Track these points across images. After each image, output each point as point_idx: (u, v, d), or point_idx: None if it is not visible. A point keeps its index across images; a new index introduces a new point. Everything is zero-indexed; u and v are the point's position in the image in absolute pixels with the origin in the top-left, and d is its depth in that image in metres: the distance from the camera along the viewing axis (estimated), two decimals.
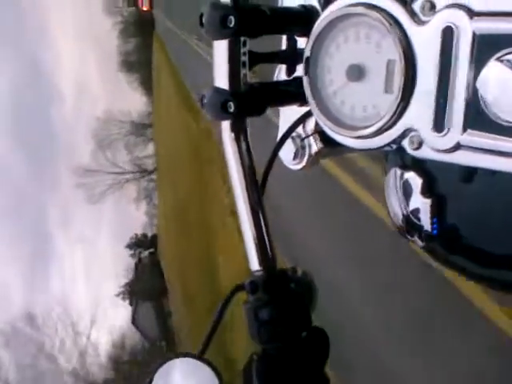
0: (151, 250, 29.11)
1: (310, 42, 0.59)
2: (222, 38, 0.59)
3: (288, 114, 0.69)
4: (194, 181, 14.28)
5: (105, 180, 29.55)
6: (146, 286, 25.20)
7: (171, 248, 21.04)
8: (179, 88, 16.80)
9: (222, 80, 0.61)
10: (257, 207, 0.60)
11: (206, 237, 12.60)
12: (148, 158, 31.63)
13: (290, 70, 0.68)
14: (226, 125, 0.61)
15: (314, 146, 0.70)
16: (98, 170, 29.47)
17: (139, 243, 30.30)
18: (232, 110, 0.59)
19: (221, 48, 0.60)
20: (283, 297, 0.58)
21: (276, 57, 0.68)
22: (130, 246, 30.48)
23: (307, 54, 0.59)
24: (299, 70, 0.66)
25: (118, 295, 28.31)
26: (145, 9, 27.87)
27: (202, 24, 0.59)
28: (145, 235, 30.79)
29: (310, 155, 0.70)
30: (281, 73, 0.70)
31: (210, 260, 12.24)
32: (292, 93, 0.65)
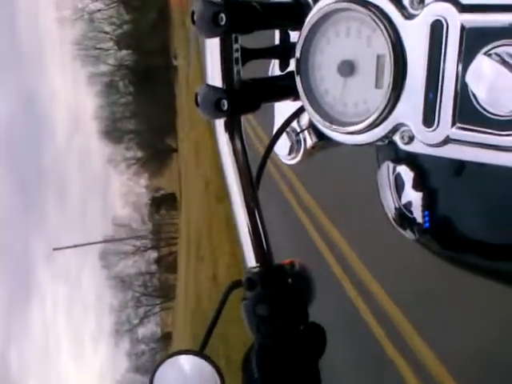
0: None
1: (301, 41, 0.59)
2: (213, 36, 0.59)
3: (282, 108, 0.70)
4: None
5: None
6: None
7: None
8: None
9: (215, 78, 0.61)
10: (252, 203, 0.61)
11: None
12: None
13: (284, 65, 0.68)
14: (220, 123, 0.62)
15: (309, 139, 0.70)
16: None
17: None
18: (225, 107, 0.59)
19: (213, 45, 0.60)
20: (281, 292, 0.58)
21: (269, 52, 0.68)
22: None
23: (298, 54, 0.59)
24: (292, 65, 0.66)
25: None
26: None
27: (193, 22, 0.59)
28: None
29: (305, 149, 0.70)
30: (275, 68, 0.70)
31: None
32: (286, 88, 0.65)
